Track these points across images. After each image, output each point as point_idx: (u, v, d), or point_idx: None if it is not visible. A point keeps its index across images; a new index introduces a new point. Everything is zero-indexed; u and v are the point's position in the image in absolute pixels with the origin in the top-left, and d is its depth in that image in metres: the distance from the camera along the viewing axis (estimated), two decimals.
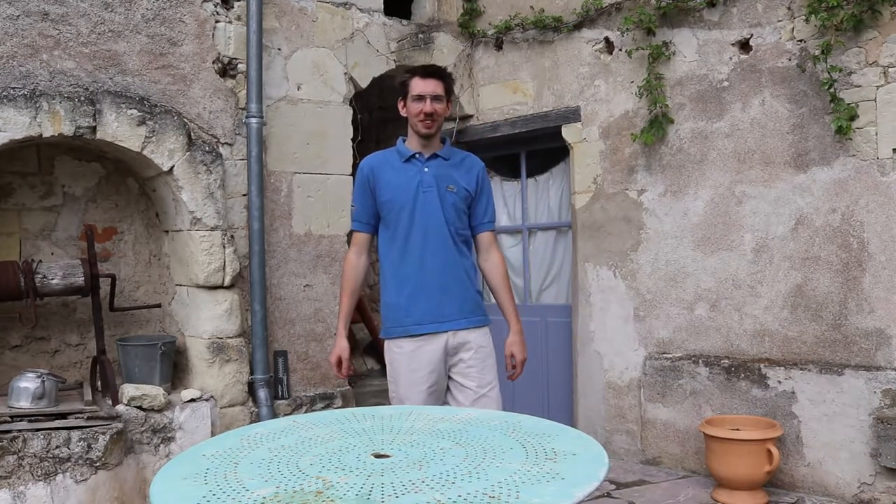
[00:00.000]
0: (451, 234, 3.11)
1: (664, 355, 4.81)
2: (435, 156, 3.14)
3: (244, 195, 4.69)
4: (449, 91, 3.15)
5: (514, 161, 5.95)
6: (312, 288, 5.01)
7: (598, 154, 5.13)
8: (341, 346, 3.17)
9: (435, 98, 3.07)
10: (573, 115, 5.25)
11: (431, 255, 3.08)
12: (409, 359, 3.09)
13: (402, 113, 3.16)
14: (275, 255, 4.84)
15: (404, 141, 3.20)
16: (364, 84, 5.29)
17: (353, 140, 5.25)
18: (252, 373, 4.62)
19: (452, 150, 3.22)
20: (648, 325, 4.91)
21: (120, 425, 3.85)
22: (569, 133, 5.28)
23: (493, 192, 3.34)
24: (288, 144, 4.91)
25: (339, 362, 3.15)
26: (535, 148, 5.74)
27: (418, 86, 3.08)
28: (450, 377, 3.15)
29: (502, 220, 6.04)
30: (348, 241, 5.21)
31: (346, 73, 5.16)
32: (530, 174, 5.83)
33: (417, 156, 3.14)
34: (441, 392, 3.14)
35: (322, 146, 5.06)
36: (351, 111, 5.22)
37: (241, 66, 4.67)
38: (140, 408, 4.06)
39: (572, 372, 5.37)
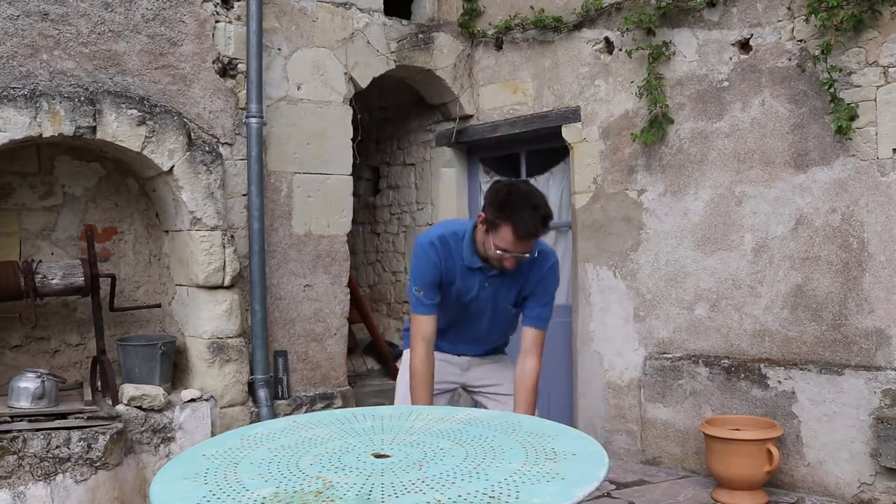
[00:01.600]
0: (496, 328, 3.05)
1: (664, 355, 4.81)
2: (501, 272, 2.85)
3: (244, 195, 4.69)
4: None
5: (514, 161, 5.95)
6: (312, 288, 5.01)
7: (598, 154, 5.13)
8: None
9: (523, 255, 2.73)
10: (573, 115, 5.25)
11: (472, 342, 3.04)
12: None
13: (479, 226, 2.77)
14: (275, 255, 4.84)
15: (473, 234, 2.83)
16: (364, 84, 5.29)
17: (353, 140, 5.25)
18: (252, 373, 4.62)
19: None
20: (648, 325, 4.91)
21: (120, 425, 3.85)
22: (569, 133, 5.27)
23: (556, 284, 2.99)
24: (288, 144, 4.91)
25: None
26: (535, 148, 5.74)
27: (509, 241, 2.65)
28: (471, 391, 3.15)
29: None
30: (348, 242, 5.23)
31: (346, 73, 5.16)
32: (530, 174, 5.83)
33: (483, 267, 2.85)
34: (447, 399, 3.13)
35: (322, 146, 5.06)
36: (351, 111, 5.22)
37: (241, 66, 4.67)
38: (140, 408, 4.06)
39: (572, 372, 5.37)
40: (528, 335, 2.94)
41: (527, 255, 2.72)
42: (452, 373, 3.11)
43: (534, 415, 2.84)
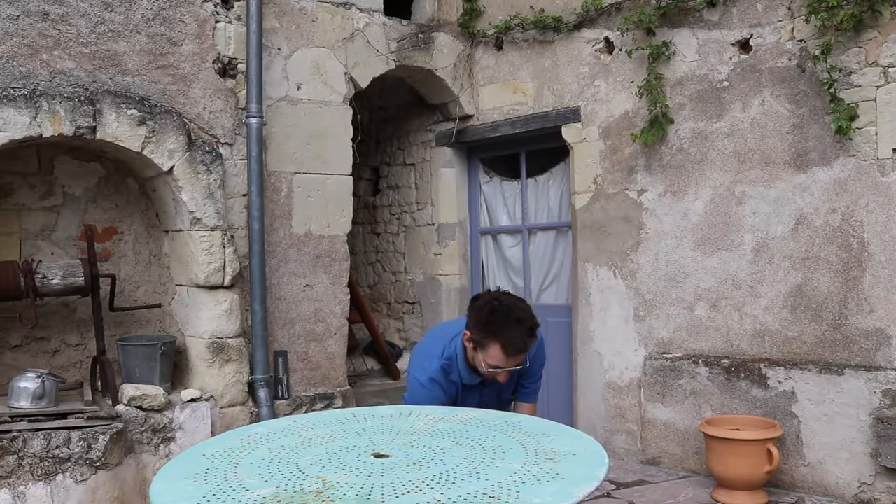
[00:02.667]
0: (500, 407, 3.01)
1: (664, 355, 4.81)
2: None
3: (244, 195, 4.69)
4: None
5: (514, 161, 5.95)
6: (312, 288, 5.01)
7: (598, 154, 5.13)
8: None
9: (515, 368, 2.66)
10: (573, 115, 5.25)
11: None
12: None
13: (466, 344, 2.70)
14: (275, 255, 4.84)
15: (465, 352, 2.74)
16: (364, 84, 5.29)
17: (353, 140, 5.25)
18: (252, 373, 4.61)
19: None
20: (648, 325, 4.91)
21: (120, 425, 3.85)
22: (569, 133, 5.27)
23: (543, 361, 2.96)
24: (288, 144, 4.91)
25: None
26: (535, 148, 5.74)
27: (499, 359, 2.59)
28: None
29: (502, 219, 6.04)
30: (348, 242, 5.23)
31: (346, 73, 5.15)
32: (530, 174, 5.83)
33: (481, 380, 2.79)
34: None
35: (322, 146, 5.05)
36: (351, 111, 5.22)
37: (241, 66, 4.67)
38: (140, 408, 4.06)
39: (572, 372, 5.37)
40: (525, 410, 2.93)
41: (519, 366, 2.66)
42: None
43: None
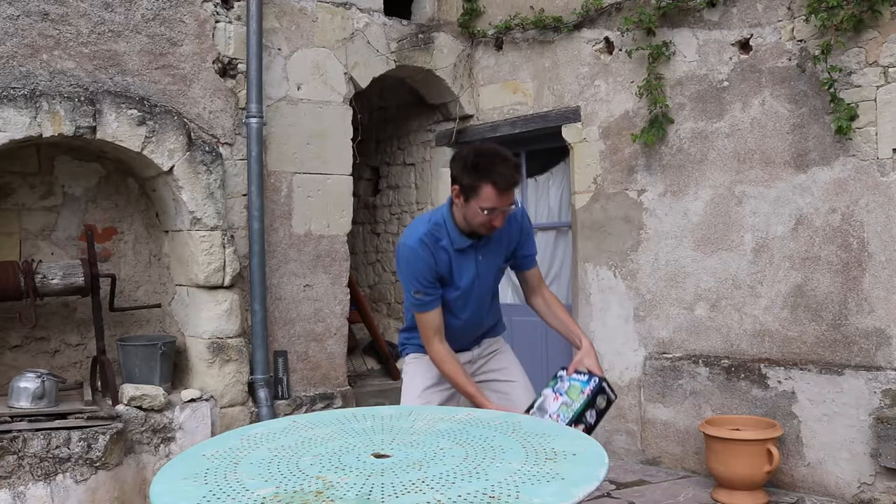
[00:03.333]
0: (492, 296, 3.05)
1: (664, 355, 4.81)
2: (487, 237, 2.87)
3: (244, 195, 4.69)
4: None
5: None
6: (312, 288, 5.01)
7: (598, 154, 5.13)
8: None
9: (508, 207, 2.72)
10: (573, 115, 5.25)
11: (472, 317, 3.00)
12: (427, 365, 2.98)
13: (455, 200, 2.77)
14: (275, 255, 4.84)
15: (451, 216, 2.82)
16: (364, 84, 5.29)
17: (353, 140, 5.25)
18: (252, 373, 4.62)
19: None
20: (648, 325, 4.91)
21: (120, 425, 3.85)
22: (569, 133, 5.27)
23: (531, 227, 3.06)
24: (288, 144, 4.91)
25: None
26: (535, 148, 5.74)
27: (493, 199, 2.65)
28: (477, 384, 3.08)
29: None
30: (348, 242, 5.23)
31: (346, 73, 5.16)
32: (530, 174, 5.83)
33: (472, 243, 2.84)
34: (453, 399, 3.10)
35: (322, 146, 5.06)
36: (351, 111, 5.22)
37: (241, 66, 4.67)
38: (140, 408, 4.06)
39: None
40: (532, 276, 3.05)
41: (513, 205, 2.74)
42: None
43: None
